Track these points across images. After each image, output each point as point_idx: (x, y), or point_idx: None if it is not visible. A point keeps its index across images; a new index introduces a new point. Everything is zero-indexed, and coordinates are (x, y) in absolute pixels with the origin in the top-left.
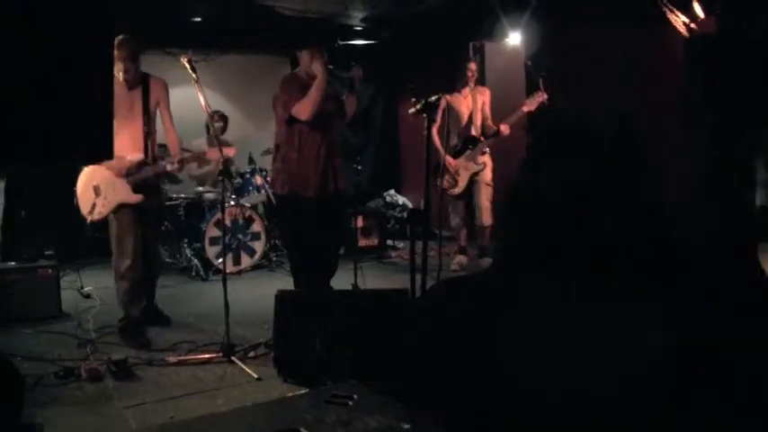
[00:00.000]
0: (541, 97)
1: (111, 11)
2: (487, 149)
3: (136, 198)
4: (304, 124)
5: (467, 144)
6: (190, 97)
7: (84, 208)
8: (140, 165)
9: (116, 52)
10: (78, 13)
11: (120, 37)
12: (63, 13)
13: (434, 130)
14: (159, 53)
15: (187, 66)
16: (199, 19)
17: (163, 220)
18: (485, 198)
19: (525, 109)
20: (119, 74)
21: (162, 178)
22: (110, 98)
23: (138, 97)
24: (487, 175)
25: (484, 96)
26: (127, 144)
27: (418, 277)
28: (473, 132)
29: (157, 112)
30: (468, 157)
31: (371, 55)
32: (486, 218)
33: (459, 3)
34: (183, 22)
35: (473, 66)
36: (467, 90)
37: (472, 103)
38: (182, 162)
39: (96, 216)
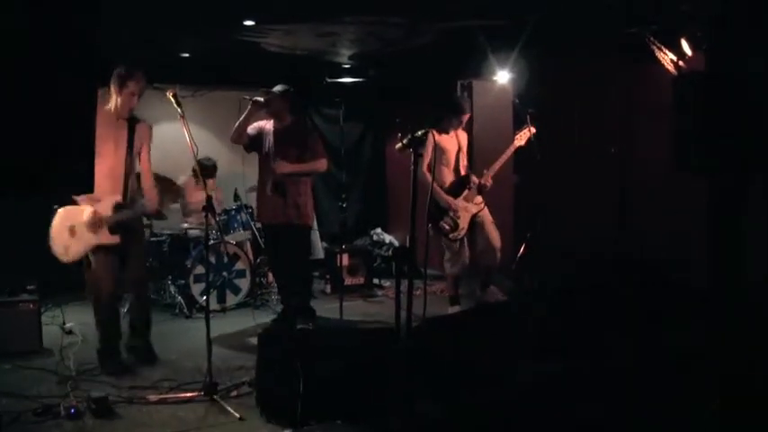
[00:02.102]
0: (530, 131)
1: (100, 46)
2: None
3: (112, 240)
4: (262, 160)
5: (464, 183)
6: (177, 133)
7: (58, 249)
8: (117, 207)
9: (130, 83)
10: (63, 50)
11: (136, 70)
12: (48, 49)
13: (425, 168)
14: (147, 88)
15: (173, 100)
16: (187, 55)
17: (145, 263)
18: (496, 239)
19: (516, 144)
20: (115, 105)
21: (142, 221)
22: (92, 135)
23: (123, 133)
24: (489, 214)
25: (465, 139)
26: (106, 181)
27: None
28: (464, 172)
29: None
30: (466, 197)
31: (359, 92)
32: (496, 258)
33: (446, 41)
34: (171, 58)
35: (465, 118)
36: (453, 131)
37: (458, 144)
38: (159, 210)
39: (71, 257)
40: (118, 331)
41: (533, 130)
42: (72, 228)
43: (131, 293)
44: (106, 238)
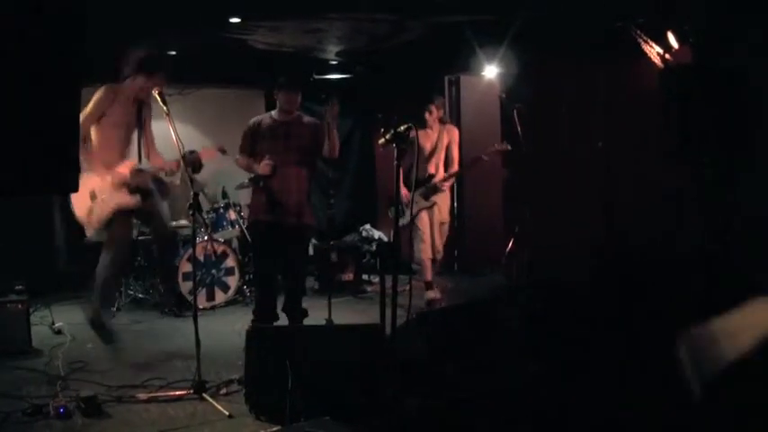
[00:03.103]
0: (503, 147)
1: (86, 45)
2: (445, 189)
3: (134, 201)
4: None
5: (423, 181)
6: (166, 132)
7: (81, 213)
8: (133, 173)
9: (159, 74)
10: (48, 52)
11: (164, 63)
12: (32, 50)
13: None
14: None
15: (158, 98)
16: (174, 53)
17: (168, 220)
18: (437, 237)
19: (485, 157)
20: (134, 86)
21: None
22: (76, 134)
23: (134, 110)
24: (442, 213)
25: (451, 135)
26: (120, 151)
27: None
28: (431, 170)
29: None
30: (421, 193)
31: (347, 89)
32: (438, 254)
33: (434, 37)
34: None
35: (433, 108)
36: (436, 126)
37: (437, 141)
38: (177, 164)
39: (95, 221)
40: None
41: (508, 147)
42: (93, 192)
43: (161, 244)
44: (129, 199)
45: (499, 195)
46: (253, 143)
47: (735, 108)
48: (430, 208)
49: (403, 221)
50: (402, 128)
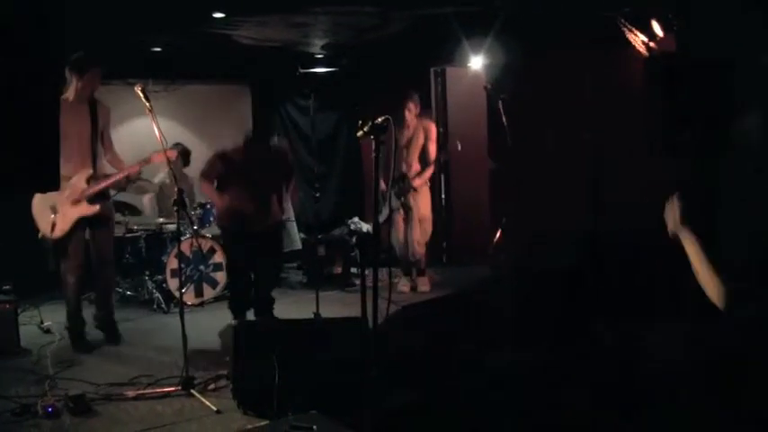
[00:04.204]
0: (455, 146)
1: (71, 42)
2: (419, 187)
3: (93, 209)
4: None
5: (396, 182)
6: (151, 129)
7: (44, 227)
8: (89, 180)
9: (92, 68)
10: (28, 54)
11: (91, 59)
12: (13, 52)
13: None
14: (120, 83)
15: (141, 95)
16: (159, 49)
17: (112, 225)
18: (416, 233)
19: (443, 158)
20: (77, 90)
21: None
22: (56, 135)
23: (86, 116)
24: (420, 211)
25: (428, 132)
26: (76, 160)
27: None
28: (403, 168)
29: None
30: (395, 191)
31: (333, 82)
32: (416, 251)
33: (419, 29)
34: (142, 53)
35: (411, 105)
36: (413, 123)
37: (412, 137)
38: (128, 175)
39: (58, 233)
40: (79, 309)
41: (459, 145)
42: (53, 206)
43: (98, 273)
44: (87, 209)
45: (486, 187)
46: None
47: (719, 96)
48: (403, 208)
49: (381, 217)
50: (379, 120)
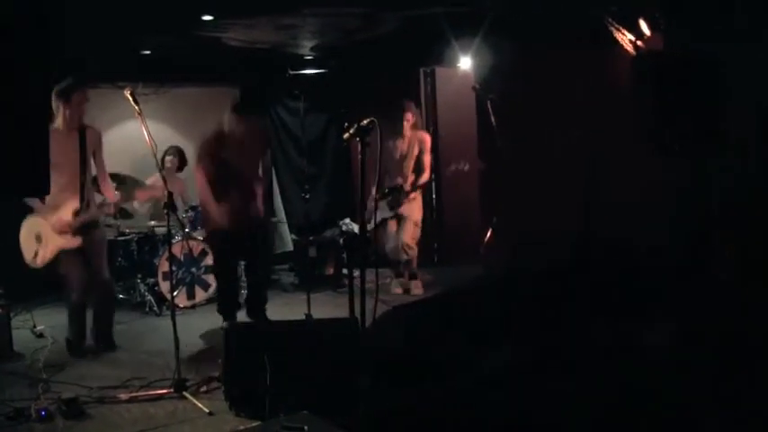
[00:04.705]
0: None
1: (60, 45)
2: (413, 198)
3: (75, 243)
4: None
5: (391, 192)
6: (140, 132)
7: (28, 255)
8: (76, 213)
9: (74, 96)
10: (17, 55)
11: (75, 85)
12: (2, 60)
13: None
14: (110, 87)
15: (130, 98)
16: (148, 52)
17: (106, 263)
18: (407, 236)
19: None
20: (64, 119)
21: (99, 223)
22: (46, 137)
23: (74, 143)
24: (413, 216)
25: (422, 143)
26: (66, 189)
27: (370, 304)
28: (399, 180)
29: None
30: (387, 202)
31: (322, 84)
32: (408, 251)
33: (409, 29)
34: (132, 56)
35: (410, 116)
36: (408, 134)
37: (408, 149)
38: (115, 207)
39: (39, 262)
40: (84, 326)
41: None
42: (38, 235)
43: (96, 292)
44: (70, 241)
45: (476, 187)
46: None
47: (706, 94)
48: (395, 218)
49: (370, 226)
50: (365, 121)
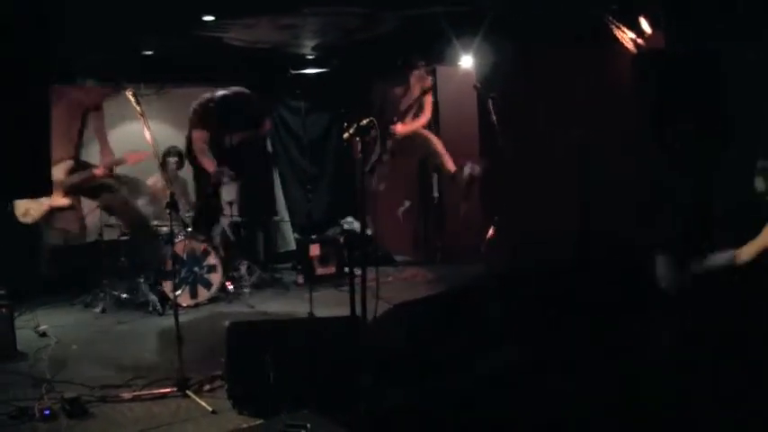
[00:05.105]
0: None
1: (63, 45)
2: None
3: (65, 201)
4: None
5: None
6: (142, 131)
7: (19, 212)
8: (70, 170)
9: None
10: (17, 55)
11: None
12: (3, 51)
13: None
14: (112, 87)
15: (132, 99)
16: (150, 52)
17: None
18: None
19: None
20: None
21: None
22: (46, 137)
23: (76, 120)
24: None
25: (427, 101)
26: (59, 147)
27: (370, 303)
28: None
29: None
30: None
31: (324, 83)
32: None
33: (410, 28)
34: (134, 56)
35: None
36: (416, 90)
37: (411, 108)
38: (108, 167)
39: (29, 219)
40: None
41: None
42: None
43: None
44: (60, 200)
45: (477, 184)
46: None
47: (708, 92)
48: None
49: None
50: (364, 121)
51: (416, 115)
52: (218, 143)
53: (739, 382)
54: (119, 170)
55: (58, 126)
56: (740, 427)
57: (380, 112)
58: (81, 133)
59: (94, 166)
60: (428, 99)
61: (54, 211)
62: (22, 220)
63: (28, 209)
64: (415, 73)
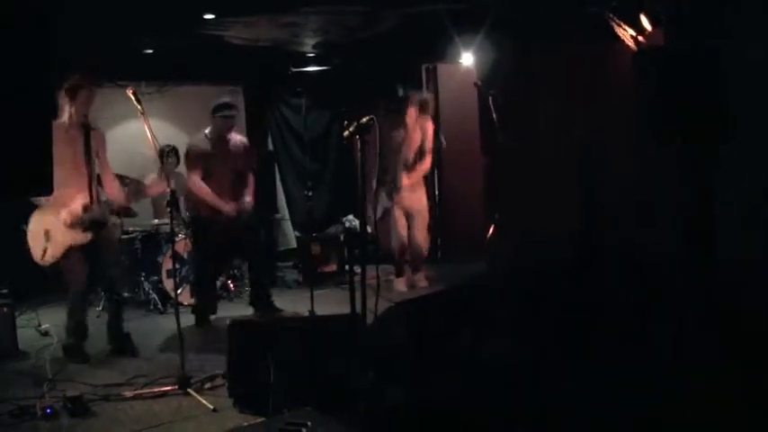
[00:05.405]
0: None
1: (63, 44)
2: (410, 184)
3: (84, 238)
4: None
5: (392, 181)
6: (143, 130)
7: (36, 252)
8: (86, 208)
9: (81, 92)
10: (20, 52)
11: (81, 81)
12: (5, 50)
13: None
14: (112, 86)
15: (132, 98)
16: (151, 51)
17: (116, 246)
18: (421, 234)
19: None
20: (70, 115)
21: (108, 219)
22: (49, 136)
23: (80, 138)
24: (414, 204)
25: (425, 129)
26: (71, 185)
27: (371, 301)
28: (400, 168)
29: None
30: (386, 192)
31: (325, 81)
32: (422, 252)
33: (410, 26)
34: (134, 55)
35: (412, 111)
36: (412, 123)
37: (410, 137)
38: (125, 206)
39: (48, 259)
40: (85, 326)
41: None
42: (47, 232)
43: (105, 288)
44: (80, 237)
45: (479, 182)
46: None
47: (709, 89)
48: (401, 210)
49: (378, 213)
50: (365, 119)
51: (422, 153)
52: None
53: (739, 381)
54: (120, 169)
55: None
56: (740, 425)
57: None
58: (89, 156)
59: (107, 200)
60: (428, 127)
61: (73, 250)
62: (41, 263)
63: (46, 249)
64: (410, 110)
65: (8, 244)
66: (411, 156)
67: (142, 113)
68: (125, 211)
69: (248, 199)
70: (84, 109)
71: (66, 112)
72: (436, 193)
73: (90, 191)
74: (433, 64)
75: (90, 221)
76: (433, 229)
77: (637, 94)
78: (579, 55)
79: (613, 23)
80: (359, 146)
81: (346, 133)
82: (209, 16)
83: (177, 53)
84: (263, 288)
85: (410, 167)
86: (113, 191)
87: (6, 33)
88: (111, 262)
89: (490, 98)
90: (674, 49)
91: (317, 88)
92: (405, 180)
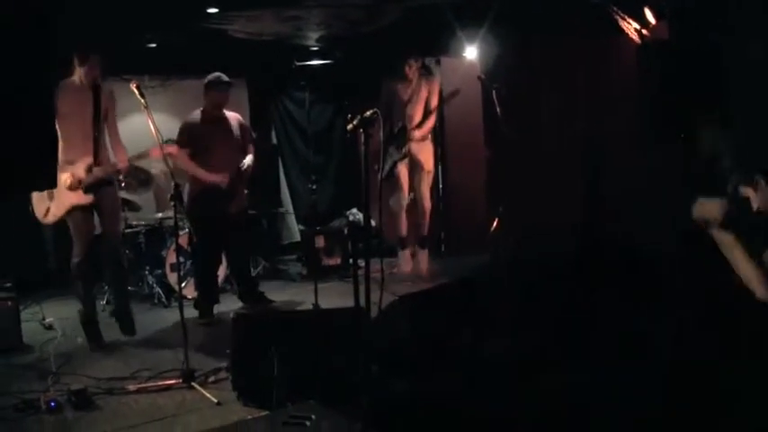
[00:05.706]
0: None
1: (67, 38)
2: (420, 138)
3: (87, 199)
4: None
5: (398, 133)
6: (146, 123)
7: (39, 212)
8: (89, 168)
9: (91, 57)
10: (20, 52)
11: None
12: (6, 52)
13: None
14: (116, 79)
15: (136, 92)
16: (154, 45)
17: (119, 207)
18: (425, 187)
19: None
20: (80, 77)
21: (113, 180)
22: (50, 134)
23: (89, 100)
24: (425, 163)
25: (431, 87)
26: (79, 144)
27: (375, 294)
28: (405, 121)
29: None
30: (395, 145)
31: (328, 74)
32: (425, 207)
33: (414, 19)
34: (138, 48)
35: (412, 62)
36: (415, 79)
37: (413, 93)
38: (130, 163)
39: (50, 218)
40: (92, 295)
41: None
42: (50, 191)
43: (106, 251)
44: (82, 198)
45: (482, 176)
46: (191, 140)
47: (711, 83)
48: (404, 158)
49: (380, 174)
50: (368, 113)
51: (426, 112)
52: None
53: (739, 379)
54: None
55: (67, 114)
56: (740, 425)
57: (388, 109)
58: (97, 117)
59: (112, 162)
60: (435, 87)
61: (76, 210)
62: (43, 221)
63: (49, 208)
64: (410, 62)
65: (12, 237)
66: (418, 112)
67: (145, 107)
68: (128, 205)
69: (248, 161)
70: (93, 73)
71: (77, 73)
72: (440, 186)
73: (96, 150)
74: (436, 57)
75: (93, 182)
76: (436, 220)
77: (640, 88)
78: (583, 48)
79: (617, 17)
80: (362, 139)
81: (350, 126)
82: (212, 10)
83: (181, 47)
84: (250, 281)
85: (419, 123)
86: (120, 154)
87: (6, 33)
88: (114, 227)
89: (494, 92)
90: (678, 43)
91: (321, 82)
92: (416, 132)
